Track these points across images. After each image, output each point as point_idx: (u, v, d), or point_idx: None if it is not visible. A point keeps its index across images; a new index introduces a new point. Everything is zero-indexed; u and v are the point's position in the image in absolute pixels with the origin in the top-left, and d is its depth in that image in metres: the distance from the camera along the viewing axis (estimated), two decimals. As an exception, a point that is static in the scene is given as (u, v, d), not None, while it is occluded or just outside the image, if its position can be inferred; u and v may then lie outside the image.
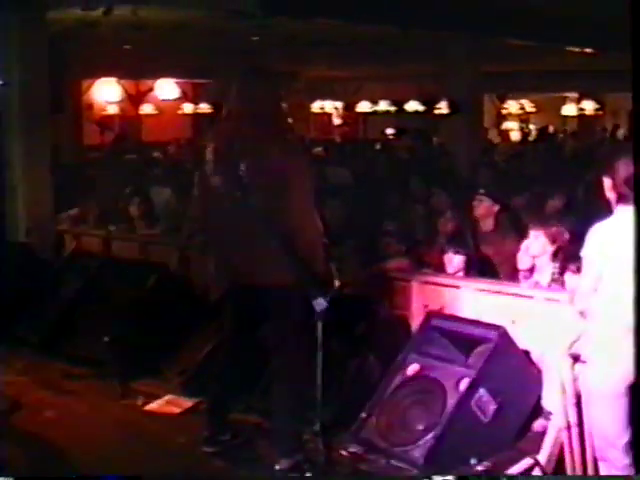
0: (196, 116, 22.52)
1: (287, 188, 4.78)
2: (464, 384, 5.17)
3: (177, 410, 6.07)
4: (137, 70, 20.17)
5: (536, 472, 4.71)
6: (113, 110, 21.43)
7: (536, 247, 6.16)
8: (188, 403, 6.14)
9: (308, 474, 4.98)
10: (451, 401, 5.14)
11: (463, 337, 5.51)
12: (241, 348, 5.38)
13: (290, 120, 5.13)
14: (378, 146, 19.94)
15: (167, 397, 6.29)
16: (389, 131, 23.29)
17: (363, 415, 5.45)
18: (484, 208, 7.68)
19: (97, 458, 5.38)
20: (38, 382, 6.81)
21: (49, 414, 6.13)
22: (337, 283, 5.10)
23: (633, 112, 4.53)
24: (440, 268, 6.77)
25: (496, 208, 7.66)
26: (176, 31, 13.16)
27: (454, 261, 6.57)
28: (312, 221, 4.91)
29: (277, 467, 5.01)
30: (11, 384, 6.60)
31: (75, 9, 10.65)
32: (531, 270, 6.24)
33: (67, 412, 6.18)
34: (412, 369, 5.52)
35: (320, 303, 4.93)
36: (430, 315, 5.88)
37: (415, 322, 6.13)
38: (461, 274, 6.55)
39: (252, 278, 5.00)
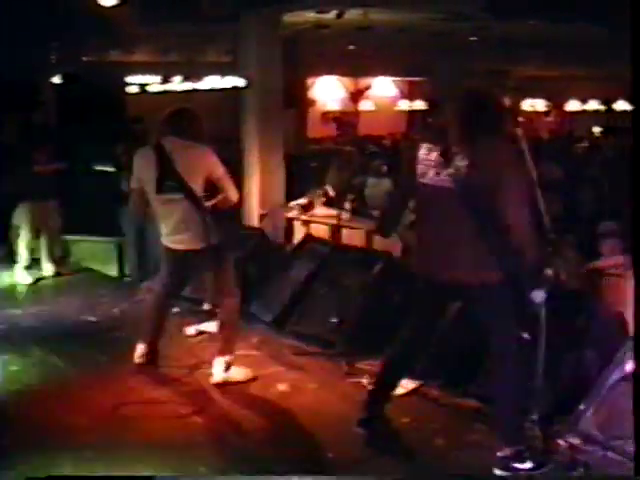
0: (411, 112, 22.48)
1: (505, 185, 4.60)
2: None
3: (401, 391, 6.00)
4: (357, 68, 20.31)
5: None
6: (334, 106, 21.67)
7: None
8: (411, 385, 6.08)
9: (528, 462, 4.85)
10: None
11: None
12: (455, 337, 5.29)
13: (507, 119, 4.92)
14: (585, 143, 19.34)
15: (391, 378, 6.22)
16: (596, 129, 22.62)
17: (581, 407, 5.26)
18: None
19: (326, 431, 5.44)
20: (271, 357, 6.90)
21: (282, 387, 6.21)
22: (550, 273, 4.90)
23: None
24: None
25: None
26: (398, 32, 13.14)
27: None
28: (526, 217, 4.71)
29: (499, 454, 4.87)
30: (247, 357, 6.74)
31: (309, 12, 10.79)
32: None
33: (298, 386, 6.24)
34: (631, 365, 5.27)
35: (538, 295, 4.77)
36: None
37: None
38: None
39: (456, 275, 4.82)
